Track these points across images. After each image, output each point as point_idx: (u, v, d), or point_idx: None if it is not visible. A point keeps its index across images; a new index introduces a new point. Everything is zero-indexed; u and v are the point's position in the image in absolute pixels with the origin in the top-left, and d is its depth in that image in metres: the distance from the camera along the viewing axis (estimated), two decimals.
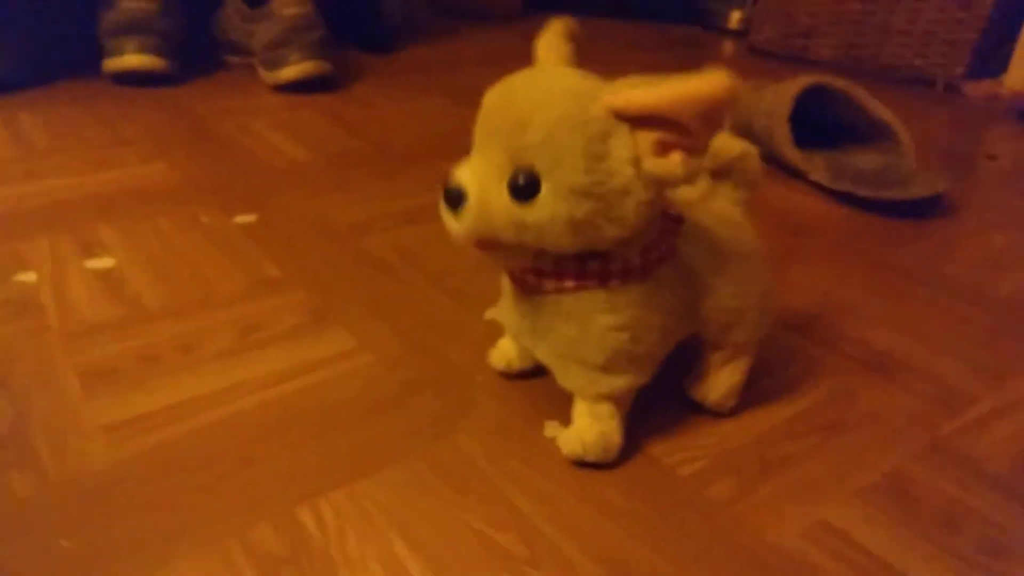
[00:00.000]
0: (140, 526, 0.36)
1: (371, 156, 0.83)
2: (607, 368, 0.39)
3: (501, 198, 0.34)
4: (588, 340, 0.38)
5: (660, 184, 0.34)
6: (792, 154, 0.83)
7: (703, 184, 0.43)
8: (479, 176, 0.35)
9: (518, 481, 0.40)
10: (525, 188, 0.34)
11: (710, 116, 0.32)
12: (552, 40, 0.39)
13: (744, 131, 0.89)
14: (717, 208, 0.43)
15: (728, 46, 1.51)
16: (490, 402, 0.46)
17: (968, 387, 0.50)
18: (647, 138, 0.33)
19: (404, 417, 0.44)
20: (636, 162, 0.33)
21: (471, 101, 0.98)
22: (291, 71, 1.00)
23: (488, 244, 0.36)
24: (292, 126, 0.90)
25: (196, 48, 1.08)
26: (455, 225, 0.35)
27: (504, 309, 0.43)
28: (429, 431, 0.43)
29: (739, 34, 1.57)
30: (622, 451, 0.41)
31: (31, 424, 0.41)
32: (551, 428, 0.43)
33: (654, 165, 0.33)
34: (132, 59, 0.96)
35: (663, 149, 0.33)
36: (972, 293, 0.63)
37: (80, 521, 0.36)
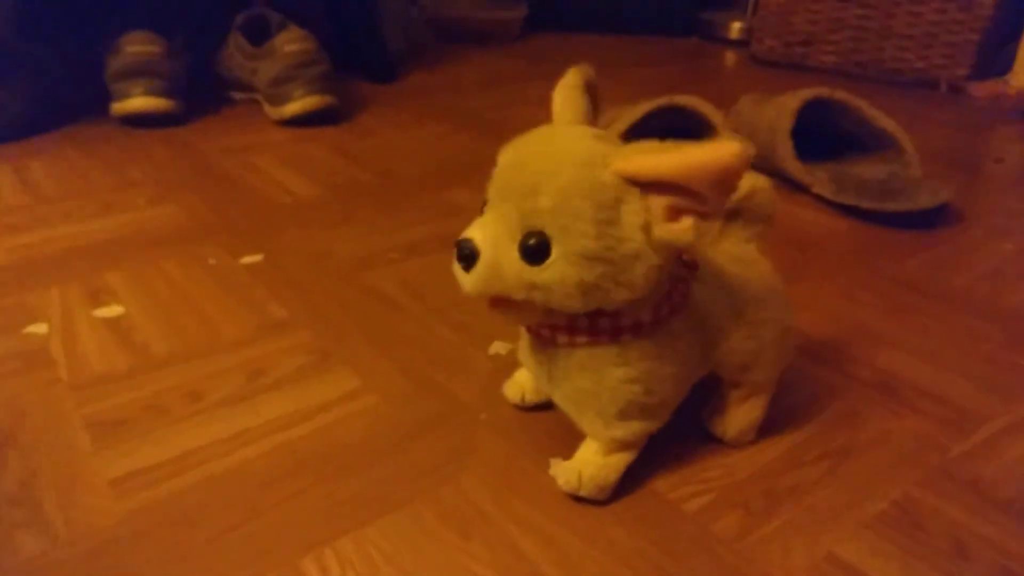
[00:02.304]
0: None
1: (376, 187, 0.84)
2: (622, 417, 0.39)
3: (512, 258, 0.34)
4: (602, 392, 0.38)
5: (671, 249, 0.34)
6: (795, 168, 0.83)
7: (714, 226, 0.43)
8: (492, 235, 0.35)
9: (523, 523, 0.40)
10: (536, 251, 0.34)
11: (723, 184, 0.32)
12: (568, 94, 0.39)
13: None
14: (730, 247, 0.43)
15: (730, 57, 1.51)
16: (495, 440, 0.46)
17: (977, 406, 0.50)
18: (658, 203, 0.33)
19: (409, 459, 0.44)
20: (647, 228, 0.33)
21: (474, 126, 1.00)
22: (295, 106, 1.01)
23: (499, 301, 0.36)
24: (297, 161, 0.91)
25: (201, 86, 1.09)
26: (466, 281, 0.35)
27: (523, 351, 0.44)
28: (434, 473, 0.43)
29: (740, 44, 1.57)
30: (628, 487, 0.41)
31: (40, 481, 0.42)
32: (555, 466, 0.43)
33: (665, 231, 0.33)
34: (139, 101, 0.98)
35: (674, 214, 0.33)
36: (981, 306, 0.62)
37: None
